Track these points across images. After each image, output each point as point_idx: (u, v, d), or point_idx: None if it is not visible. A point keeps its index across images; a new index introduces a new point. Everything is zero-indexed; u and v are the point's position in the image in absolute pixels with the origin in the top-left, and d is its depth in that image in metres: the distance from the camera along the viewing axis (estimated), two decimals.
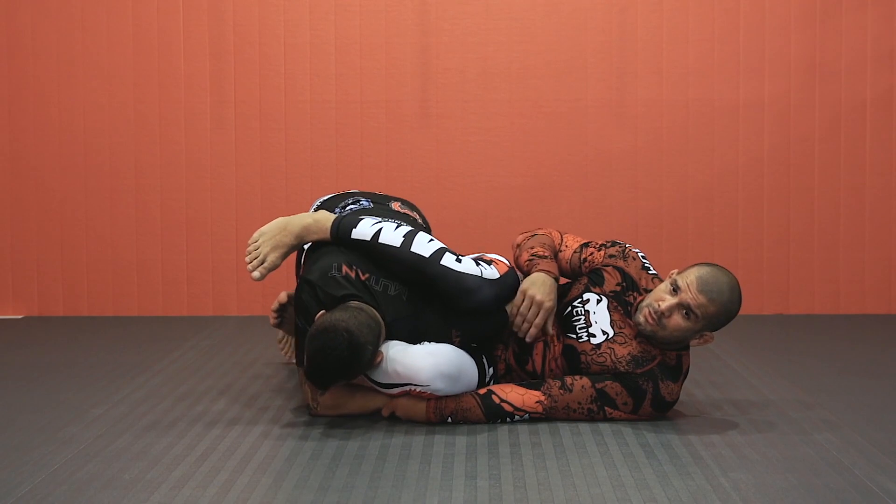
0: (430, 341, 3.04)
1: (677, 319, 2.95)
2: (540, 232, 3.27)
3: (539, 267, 3.11)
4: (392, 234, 3.04)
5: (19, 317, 5.04)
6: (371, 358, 2.91)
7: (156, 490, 2.49)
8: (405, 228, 3.08)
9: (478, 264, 3.06)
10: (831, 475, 2.58)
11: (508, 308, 3.12)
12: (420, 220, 3.48)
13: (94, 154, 5.02)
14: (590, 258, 3.20)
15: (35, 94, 5.00)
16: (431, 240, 3.07)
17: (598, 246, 3.22)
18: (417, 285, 3.06)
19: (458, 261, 3.03)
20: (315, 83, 5.01)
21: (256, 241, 3.12)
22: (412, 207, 3.56)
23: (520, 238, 3.29)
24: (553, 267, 3.13)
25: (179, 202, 5.03)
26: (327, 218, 3.12)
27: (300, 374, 3.14)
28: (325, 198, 3.59)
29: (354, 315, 2.90)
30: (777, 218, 5.04)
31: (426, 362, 2.94)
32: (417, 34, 5.01)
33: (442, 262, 3.01)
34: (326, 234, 3.09)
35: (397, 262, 3.03)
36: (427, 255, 3.01)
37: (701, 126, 5.03)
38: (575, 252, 3.22)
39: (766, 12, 4.99)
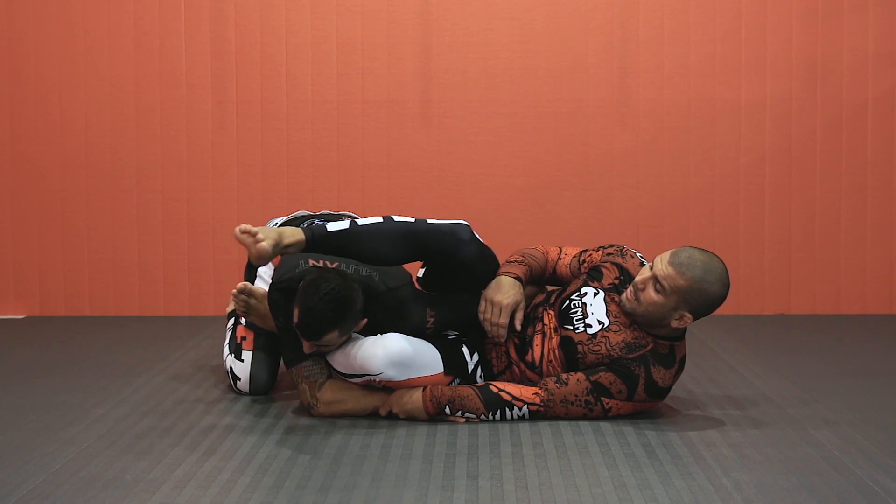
0: (405, 320, 3.11)
1: (650, 293, 3.00)
2: (532, 248, 3.37)
3: (500, 271, 3.23)
4: (369, 218, 3.07)
5: (21, 317, 5.04)
6: (360, 311, 2.98)
7: (157, 490, 2.49)
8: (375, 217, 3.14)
9: None
10: (832, 475, 2.58)
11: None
12: None
13: (95, 154, 5.02)
14: (588, 259, 3.30)
15: (36, 94, 5.00)
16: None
17: (596, 248, 3.33)
18: (400, 260, 3.07)
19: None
20: (316, 83, 5.01)
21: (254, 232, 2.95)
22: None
23: None
24: (515, 268, 3.24)
25: (181, 202, 5.03)
26: (296, 229, 3.04)
27: (296, 373, 3.15)
28: (280, 220, 3.67)
29: (340, 270, 3.04)
30: (778, 217, 5.04)
31: (375, 353, 3.01)
32: (419, 34, 5.01)
33: (429, 221, 3.07)
34: (300, 236, 2.99)
35: (382, 236, 3.02)
36: (412, 219, 3.06)
37: (702, 126, 5.03)
38: (574, 257, 3.33)
39: (767, 12, 4.99)
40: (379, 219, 3.06)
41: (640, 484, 2.53)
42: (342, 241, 3.02)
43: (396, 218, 3.06)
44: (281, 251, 2.98)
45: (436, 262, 3.12)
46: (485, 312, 3.15)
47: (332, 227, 3.02)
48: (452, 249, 3.06)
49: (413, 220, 3.07)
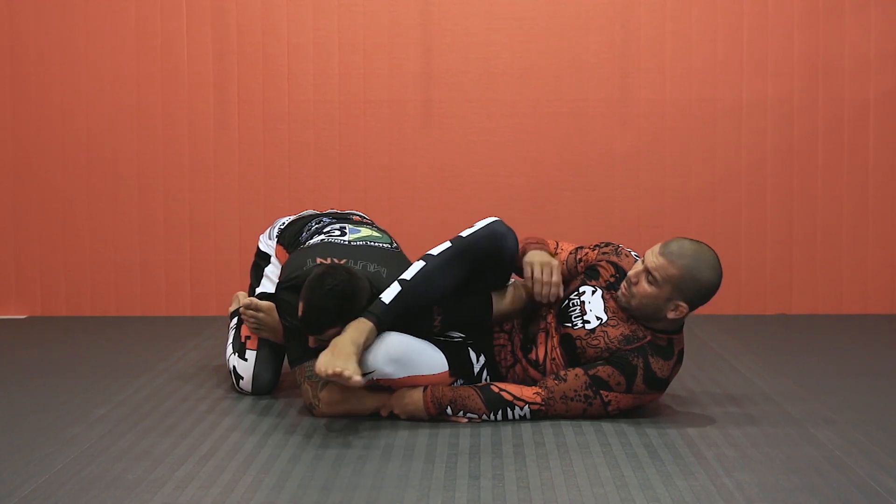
0: (414, 318, 3.09)
1: (643, 285, 3.02)
2: (536, 237, 3.40)
3: (531, 247, 3.25)
4: (411, 268, 3.07)
5: (22, 317, 5.04)
6: (364, 308, 3.00)
7: (159, 490, 2.49)
8: (413, 264, 3.14)
9: None
10: (834, 475, 2.58)
11: (510, 292, 3.22)
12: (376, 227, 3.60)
13: (96, 154, 5.02)
14: (584, 258, 3.31)
15: (38, 95, 5.00)
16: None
17: (591, 247, 3.34)
18: (462, 282, 3.10)
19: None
20: (318, 83, 5.01)
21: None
22: (369, 219, 3.67)
23: None
24: (544, 247, 3.28)
25: (182, 202, 5.03)
26: (359, 320, 2.99)
27: (299, 372, 3.15)
28: (287, 220, 3.66)
29: (348, 267, 3.07)
30: (780, 217, 5.04)
31: (374, 349, 3.00)
32: (420, 34, 5.01)
33: (465, 234, 3.11)
34: (369, 325, 2.97)
35: (437, 275, 3.06)
36: (449, 243, 3.09)
37: (703, 126, 5.03)
38: (570, 254, 3.34)
39: (769, 12, 4.99)
40: (421, 263, 3.08)
41: (641, 484, 2.53)
42: (404, 302, 3.03)
43: (434, 251, 3.09)
44: (363, 349, 2.97)
45: (484, 267, 3.12)
46: (535, 274, 3.15)
47: (387, 297, 3.02)
48: (497, 248, 3.10)
49: (449, 242, 3.10)
